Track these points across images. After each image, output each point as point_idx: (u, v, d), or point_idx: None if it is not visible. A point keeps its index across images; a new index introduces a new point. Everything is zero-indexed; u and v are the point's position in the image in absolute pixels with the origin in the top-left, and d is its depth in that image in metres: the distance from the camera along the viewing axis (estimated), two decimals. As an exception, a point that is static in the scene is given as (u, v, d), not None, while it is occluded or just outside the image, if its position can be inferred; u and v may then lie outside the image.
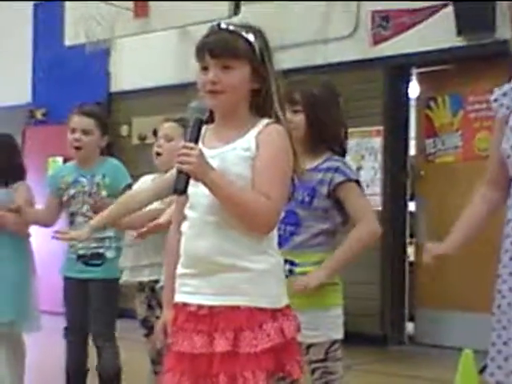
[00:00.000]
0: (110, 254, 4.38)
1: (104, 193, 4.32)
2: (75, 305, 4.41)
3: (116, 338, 4.45)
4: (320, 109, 3.14)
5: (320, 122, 3.13)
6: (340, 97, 3.30)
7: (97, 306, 4.34)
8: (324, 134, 3.15)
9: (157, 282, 3.90)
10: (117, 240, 4.39)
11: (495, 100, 2.78)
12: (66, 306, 4.48)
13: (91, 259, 4.37)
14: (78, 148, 4.40)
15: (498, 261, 2.74)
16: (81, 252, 4.37)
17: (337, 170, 3.09)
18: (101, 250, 4.37)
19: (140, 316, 4.15)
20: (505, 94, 2.76)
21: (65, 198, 4.42)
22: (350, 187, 3.12)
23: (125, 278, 4.14)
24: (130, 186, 4.32)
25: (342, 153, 3.22)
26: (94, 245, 4.36)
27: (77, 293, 4.40)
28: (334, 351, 3.11)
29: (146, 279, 4.02)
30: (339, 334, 3.16)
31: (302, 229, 3.07)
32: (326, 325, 3.09)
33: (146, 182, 4.09)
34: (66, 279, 4.48)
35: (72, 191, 4.40)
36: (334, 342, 3.12)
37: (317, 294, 3.03)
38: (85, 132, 4.38)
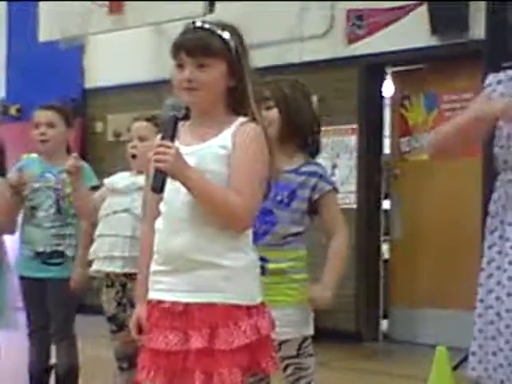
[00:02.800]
0: (69, 253, 4.37)
1: (68, 190, 4.30)
2: (36, 306, 4.41)
3: (75, 336, 4.45)
4: (291, 106, 3.18)
5: (293, 119, 3.16)
6: (311, 96, 3.33)
7: (54, 304, 4.34)
8: (297, 132, 3.18)
9: (130, 276, 3.89)
10: (76, 237, 4.38)
11: (489, 85, 2.80)
12: (26, 307, 4.47)
13: (51, 257, 4.35)
14: (44, 141, 4.42)
15: (481, 255, 2.76)
16: (39, 249, 4.35)
17: (321, 177, 3.17)
18: (60, 248, 4.36)
19: (108, 313, 4.11)
20: (499, 82, 2.78)
21: (26, 192, 4.41)
22: (332, 196, 3.22)
23: (95, 267, 4.10)
24: (96, 188, 4.29)
25: (316, 151, 3.25)
26: (55, 242, 4.35)
27: (36, 293, 4.39)
28: (305, 347, 3.16)
29: (118, 270, 3.98)
30: (310, 330, 3.21)
31: (277, 227, 3.10)
32: (297, 321, 3.12)
33: (124, 177, 4.08)
34: (23, 279, 4.45)
35: (36, 185, 4.39)
36: (305, 338, 3.16)
37: (288, 291, 3.06)
38: (49, 125, 4.41)
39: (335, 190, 3.23)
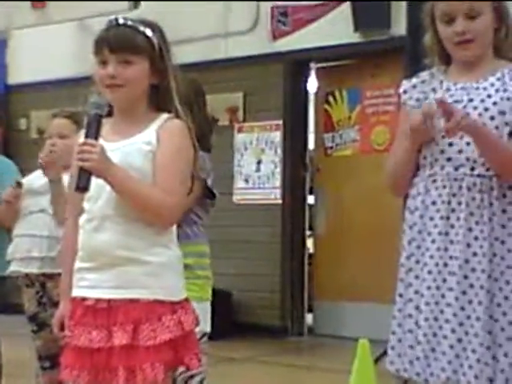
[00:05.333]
0: None
1: None
2: None
3: None
4: (184, 106, 3.18)
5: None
6: (205, 95, 3.34)
7: None
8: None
9: (49, 275, 3.86)
10: None
11: (404, 92, 2.85)
12: None
13: None
14: None
15: (398, 250, 2.81)
16: None
17: None
18: None
19: (29, 312, 4.07)
20: (414, 86, 2.84)
21: None
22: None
23: (13, 268, 4.06)
24: (20, 184, 4.24)
25: (207, 150, 3.28)
26: None
27: None
28: (203, 343, 3.19)
29: (36, 271, 3.95)
30: (208, 327, 3.26)
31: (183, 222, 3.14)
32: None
33: (40, 176, 4.04)
34: None
35: None
36: (203, 335, 3.19)
37: (190, 287, 3.08)
38: None
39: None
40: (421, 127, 2.64)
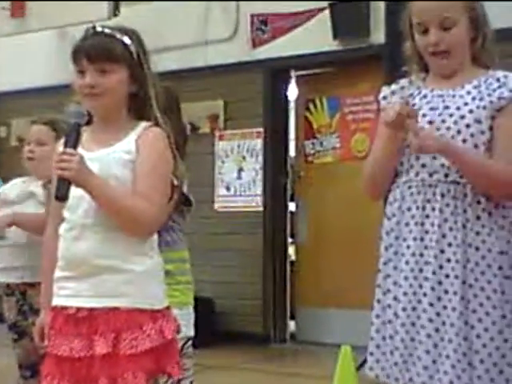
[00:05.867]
0: None
1: None
2: None
3: None
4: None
5: None
6: (179, 103, 3.34)
7: None
8: None
9: (30, 285, 3.85)
10: None
11: (384, 98, 2.87)
12: None
13: None
14: None
15: (377, 257, 2.82)
16: None
17: None
18: None
19: (9, 320, 4.05)
20: (393, 93, 2.85)
21: None
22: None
23: None
24: None
25: (181, 157, 3.28)
26: None
27: None
28: (187, 348, 3.20)
29: (17, 281, 3.93)
30: (192, 332, 3.26)
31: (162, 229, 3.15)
32: (181, 322, 3.15)
33: (16, 185, 4.03)
34: None
35: None
36: (187, 340, 3.20)
37: (172, 293, 3.09)
38: None
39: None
40: (395, 121, 2.64)
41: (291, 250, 8.28)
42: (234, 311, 7.86)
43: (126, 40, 2.47)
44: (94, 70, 2.44)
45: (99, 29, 2.48)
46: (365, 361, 2.87)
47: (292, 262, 8.22)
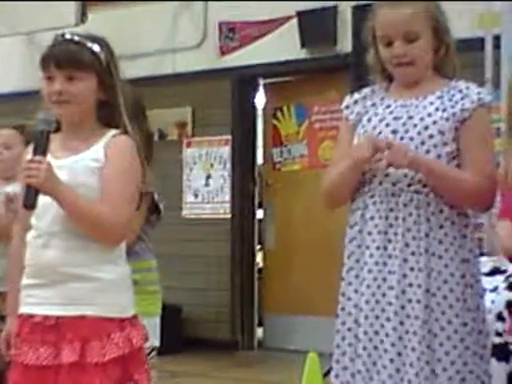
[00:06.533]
0: None
1: None
2: None
3: None
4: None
5: None
6: (145, 109, 3.34)
7: None
8: None
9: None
10: None
11: (346, 107, 2.89)
12: None
13: None
14: None
15: (342, 265, 2.83)
16: None
17: None
18: None
19: None
20: (356, 102, 2.87)
21: None
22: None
23: None
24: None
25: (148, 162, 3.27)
26: None
27: None
28: (151, 358, 3.19)
29: None
30: (157, 342, 3.27)
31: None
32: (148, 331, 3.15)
33: None
34: None
35: None
36: (152, 349, 3.20)
37: (138, 303, 3.08)
38: None
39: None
40: (368, 161, 2.68)
41: (259, 257, 8.29)
42: (202, 318, 7.86)
43: (96, 48, 2.47)
44: (62, 77, 2.44)
45: (68, 36, 2.48)
46: (330, 369, 2.88)
47: (260, 269, 8.23)
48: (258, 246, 8.26)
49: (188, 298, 7.80)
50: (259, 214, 8.25)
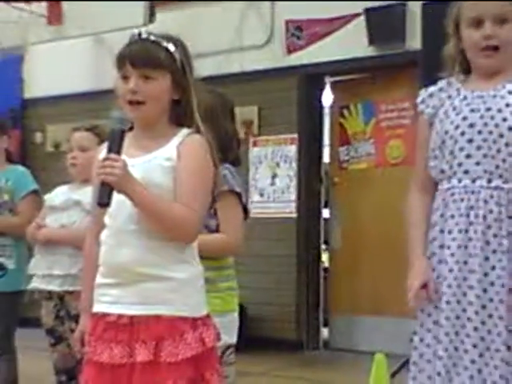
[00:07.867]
0: (11, 266, 4.34)
1: (6, 197, 4.37)
2: None
3: (15, 351, 4.40)
4: (210, 118, 3.14)
5: (213, 132, 3.13)
6: (233, 109, 3.30)
7: None
8: (216, 144, 3.15)
9: (68, 292, 3.87)
10: (17, 248, 4.35)
11: (422, 101, 2.83)
12: None
13: None
14: None
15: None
16: None
17: (224, 176, 3.08)
18: (1, 259, 4.32)
19: (47, 325, 4.07)
20: (431, 95, 2.82)
21: None
22: (229, 197, 3.14)
23: (34, 284, 4.07)
24: (35, 192, 4.38)
25: (235, 162, 3.25)
26: None
27: None
28: (228, 355, 3.17)
29: (57, 289, 3.95)
30: (233, 339, 3.23)
31: None
32: (221, 330, 3.13)
33: (61, 192, 4.05)
34: None
35: None
36: (228, 347, 3.17)
37: (213, 301, 3.07)
38: None
39: (233, 192, 3.15)
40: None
41: (325, 257, 8.26)
42: (267, 318, 7.85)
43: (171, 47, 2.47)
44: (137, 76, 2.44)
45: (144, 35, 2.48)
46: (400, 368, 2.85)
47: (325, 269, 8.20)
48: (324, 246, 8.23)
49: (253, 297, 7.79)
50: (325, 213, 8.22)
